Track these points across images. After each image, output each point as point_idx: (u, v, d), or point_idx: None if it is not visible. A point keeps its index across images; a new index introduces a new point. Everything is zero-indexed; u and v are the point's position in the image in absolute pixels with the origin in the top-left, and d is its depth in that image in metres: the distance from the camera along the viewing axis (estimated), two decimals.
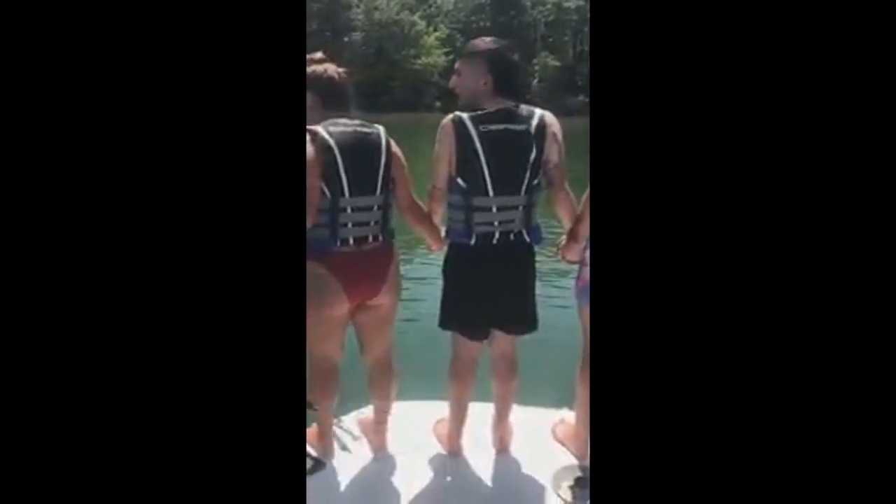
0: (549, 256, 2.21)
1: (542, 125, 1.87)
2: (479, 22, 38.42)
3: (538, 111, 1.89)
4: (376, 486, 2.02)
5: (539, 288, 2.03)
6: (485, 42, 1.95)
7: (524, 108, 1.88)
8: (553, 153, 1.90)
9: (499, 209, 1.87)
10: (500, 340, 2.06)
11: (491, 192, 1.85)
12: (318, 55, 1.95)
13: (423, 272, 4.41)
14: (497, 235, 1.89)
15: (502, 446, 2.20)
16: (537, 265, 2.01)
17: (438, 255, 2.08)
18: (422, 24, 38.50)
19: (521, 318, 2.02)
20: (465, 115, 1.85)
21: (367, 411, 2.24)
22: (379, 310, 2.00)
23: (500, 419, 2.18)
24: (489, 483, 2.06)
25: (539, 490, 2.00)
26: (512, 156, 1.85)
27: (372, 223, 1.88)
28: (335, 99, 1.89)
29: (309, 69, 1.89)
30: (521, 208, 1.89)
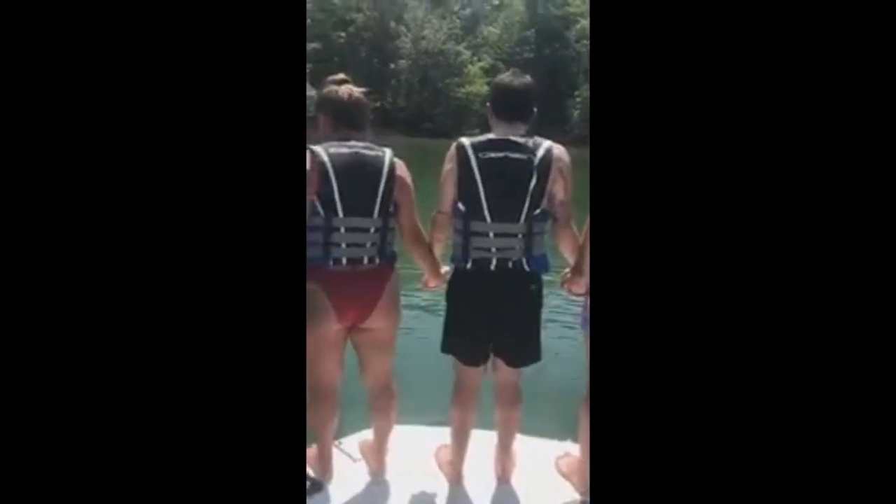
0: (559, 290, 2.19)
1: (547, 157, 1.85)
2: (523, 53, 38.73)
3: (546, 143, 1.88)
4: None
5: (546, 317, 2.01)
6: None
7: (531, 139, 1.87)
8: (559, 189, 1.89)
9: (496, 235, 1.87)
10: (502, 369, 2.03)
11: (488, 218, 1.86)
12: (340, 76, 1.97)
13: None
14: (494, 262, 1.89)
15: (504, 477, 2.16)
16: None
17: None
18: (467, 54, 39.07)
19: (521, 348, 1.99)
20: (466, 142, 1.87)
21: (369, 434, 2.23)
22: (374, 333, 1.98)
23: (503, 448, 2.14)
24: None
25: None
26: (510, 183, 1.84)
27: (368, 245, 1.87)
28: (346, 119, 1.90)
29: (324, 90, 1.92)
30: (520, 236, 1.87)
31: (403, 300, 2.05)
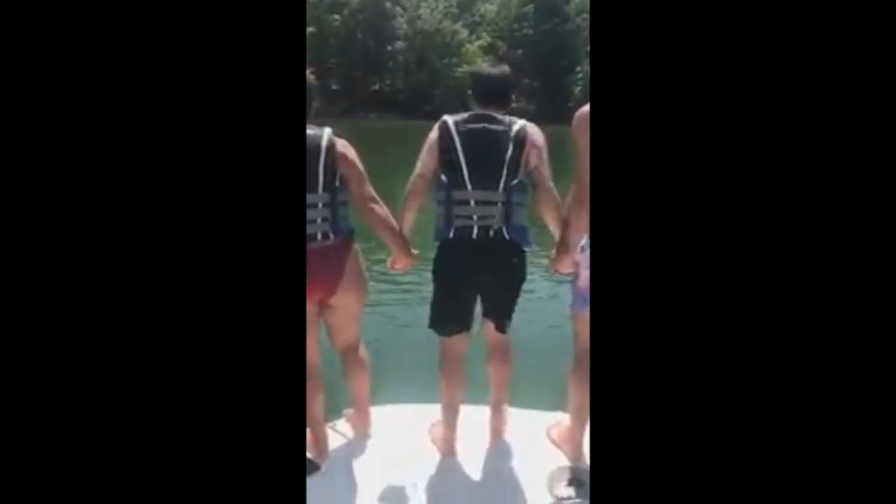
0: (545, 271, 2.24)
1: (522, 131, 1.97)
2: (522, 30, 38.31)
3: (520, 122, 2.00)
4: (371, 489, 2.03)
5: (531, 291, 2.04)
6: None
7: (507, 118, 2.00)
8: (532, 157, 1.99)
9: (477, 203, 1.96)
10: (493, 330, 2.14)
11: (469, 186, 1.96)
12: None
13: None
14: (476, 230, 1.98)
15: (497, 435, 2.25)
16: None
17: None
18: (464, 33, 38.76)
19: (505, 312, 2.11)
20: (449, 118, 2.01)
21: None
22: (342, 309, 2.07)
23: (496, 407, 2.24)
24: (484, 484, 2.07)
25: (534, 491, 2.01)
26: (488, 152, 1.95)
27: (318, 220, 1.93)
28: None
29: None
30: (499, 204, 1.96)
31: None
